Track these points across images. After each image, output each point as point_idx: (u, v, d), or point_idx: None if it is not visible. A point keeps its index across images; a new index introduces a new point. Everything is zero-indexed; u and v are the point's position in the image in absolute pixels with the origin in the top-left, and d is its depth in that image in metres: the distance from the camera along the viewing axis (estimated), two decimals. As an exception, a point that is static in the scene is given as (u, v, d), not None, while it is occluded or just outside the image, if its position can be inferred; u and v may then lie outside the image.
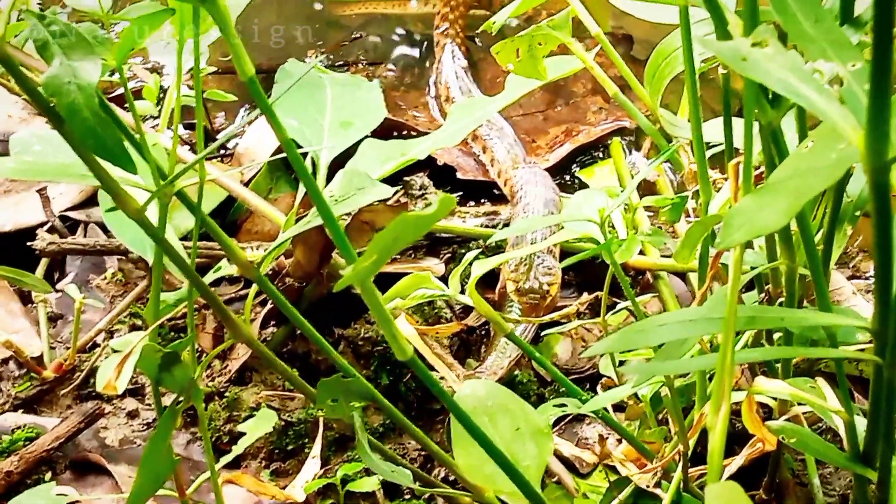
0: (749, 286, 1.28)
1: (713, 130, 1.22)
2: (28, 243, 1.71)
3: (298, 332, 1.64)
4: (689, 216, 1.72)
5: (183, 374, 1.12)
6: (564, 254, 1.69)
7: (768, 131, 0.92)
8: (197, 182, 1.06)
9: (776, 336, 1.21)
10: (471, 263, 1.27)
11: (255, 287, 1.24)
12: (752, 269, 1.15)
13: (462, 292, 1.27)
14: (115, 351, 1.11)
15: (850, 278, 1.76)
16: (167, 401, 1.27)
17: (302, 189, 1.50)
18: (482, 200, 2.00)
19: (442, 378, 1.56)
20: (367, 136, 1.67)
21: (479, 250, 1.30)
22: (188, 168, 0.97)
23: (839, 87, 0.71)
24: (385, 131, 1.81)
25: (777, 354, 0.94)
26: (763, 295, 1.17)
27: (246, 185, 1.85)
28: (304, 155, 1.61)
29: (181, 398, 1.13)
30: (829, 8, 1.00)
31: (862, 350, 0.96)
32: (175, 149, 1.05)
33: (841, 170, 0.75)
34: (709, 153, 1.27)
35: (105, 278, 1.79)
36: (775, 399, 1.19)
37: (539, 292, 1.62)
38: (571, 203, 1.23)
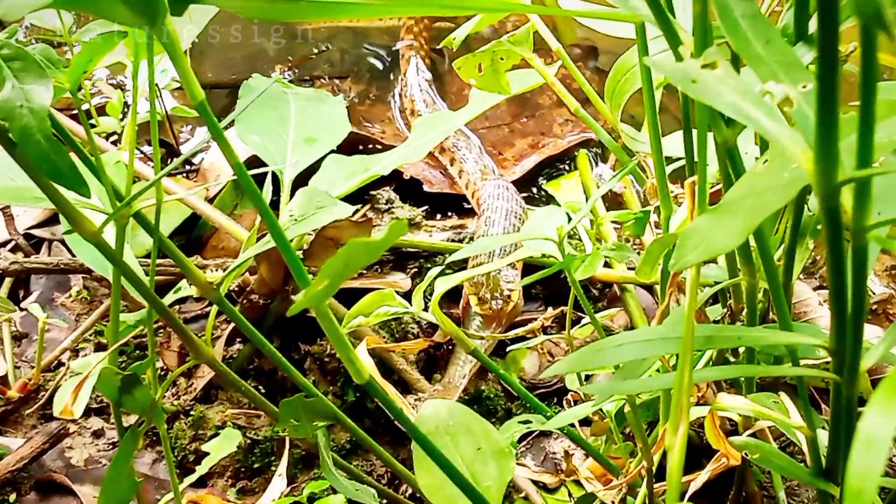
0: (715, 299, 1.29)
1: (675, 144, 1.22)
2: (-10, 263, 1.70)
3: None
4: (657, 228, 1.72)
5: (144, 396, 1.12)
6: (530, 267, 1.69)
7: (724, 149, 0.92)
8: (155, 203, 1.05)
9: (741, 350, 1.21)
10: (434, 280, 1.27)
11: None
12: (715, 283, 1.15)
13: (426, 309, 1.27)
14: (74, 374, 1.10)
15: (816, 288, 1.77)
16: (132, 420, 1.26)
17: (267, 195, 1.49)
18: (449, 214, 2.00)
19: (410, 394, 1.56)
20: (331, 152, 1.66)
21: (442, 266, 1.29)
22: (144, 190, 0.96)
23: (791, 109, 0.71)
24: (350, 146, 1.80)
25: (736, 373, 0.94)
26: (726, 310, 1.17)
27: (211, 200, 1.84)
28: (266, 173, 1.61)
29: (143, 420, 1.13)
30: (782, 27, 1.01)
31: (821, 367, 0.96)
32: (131, 171, 1.05)
33: (794, 189, 0.75)
34: (673, 166, 1.28)
35: (70, 296, 1.78)
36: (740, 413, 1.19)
37: (501, 297, 1.61)
38: (531, 221, 1.24)
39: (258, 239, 1.15)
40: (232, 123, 1.80)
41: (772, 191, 0.76)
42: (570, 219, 1.22)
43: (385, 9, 0.86)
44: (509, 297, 1.62)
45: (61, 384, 1.58)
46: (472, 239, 1.83)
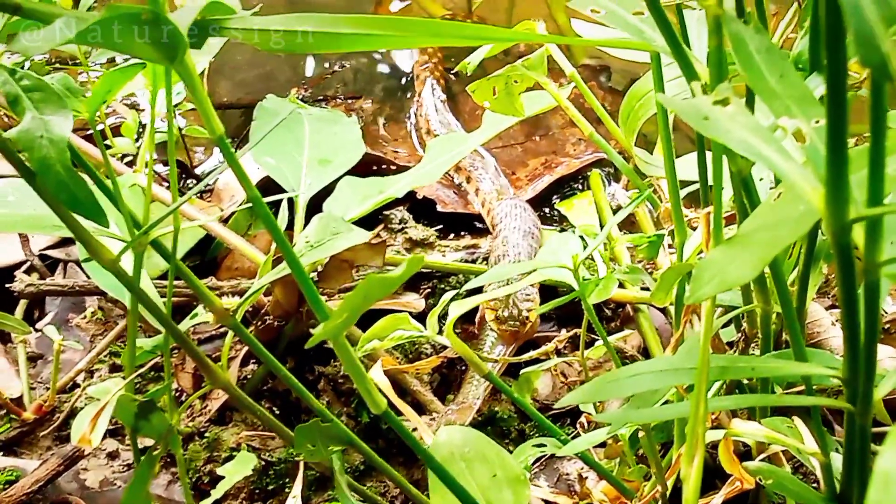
0: (728, 321, 1.29)
1: (688, 166, 1.23)
2: (7, 285, 1.71)
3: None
4: (670, 249, 1.72)
5: (161, 422, 1.12)
6: (545, 289, 1.70)
7: (738, 179, 0.92)
8: (172, 230, 1.06)
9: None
10: (449, 303, 1.27)
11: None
12: (730, 308, 1.16)
13: (440, 332, 1.27)
14: (91, 399, 1.11)
15: (829, 308, 1.76)
16: (148, 442, 1.26)
17: (283, 220, 1.50)
18: (462, 233, 2.01)
19: (424, 414, 1.57)
20: (346, 173, 1.67)
21: (457, 290, 1.29)
22: (162, 219, 0.97)
23: (803, 145, 0.71)
24: (364, 166, 1.81)
25: (750, 402, 0.95)
26: (739, 334, 1.17)
27: (226, 221, 1.85)
28: (283, 194, 1.62)
29: (158, 445, 1.13)
30: (797, 54, 1.01)
31: (834, 394, 0.97)
32: (149, 198, 1.05)
33: (808, 224, 0.75)
34: (686, 189, 1.28)
35: (85, 317, 1.79)
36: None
37: (519, 318, 1.62)
38: (546, 247, 1.24)
39: (274, 263, 1.15)
40: (240, 145, 1.81)
41: (785, 224, 0.77)
42: (584, 244, 1.22)
43: (399, 41, 0.86)
44: (528, 318, 1.63)
45: (76, 407, 1.60)
46: (486, 259, 1.84)
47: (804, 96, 0.73)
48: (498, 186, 2.02)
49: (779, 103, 0.73)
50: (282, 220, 1.28)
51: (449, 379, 1.67)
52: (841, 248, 0.68)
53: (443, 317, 1.30)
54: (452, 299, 1.28)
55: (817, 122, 0.72)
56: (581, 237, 1.25)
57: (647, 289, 1.70)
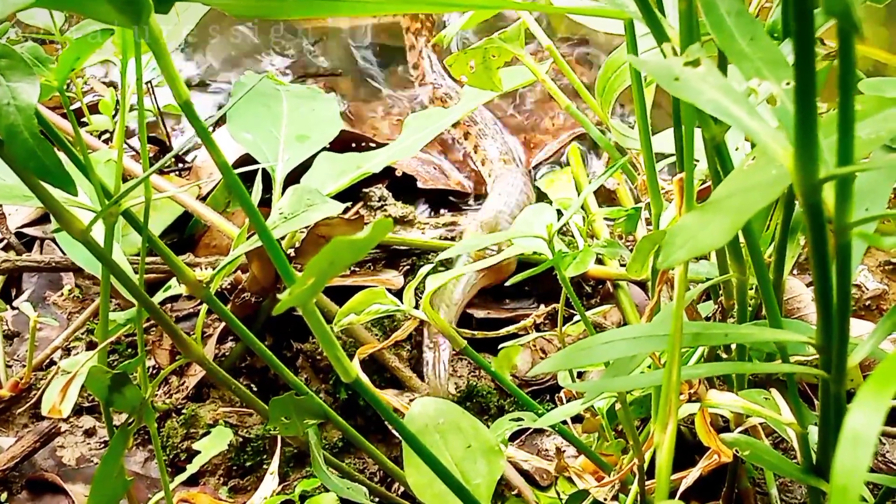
0: (707, 296, 1.28)
1: (668, 142, 1.22)
2: (-19, 261, 1.70)
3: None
4: (649, 225, 1.72)
5: (134, 395, 1.12)
6: (522, 265, 1.69)
7: (712, 146, 0.92)
8: (143, 201, 1.05)
9: (733, 347, 1.21)
10: (425, 277, 1.27)
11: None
12: (706, 279, 1.15)
13: (417, 307, 1.27)
14: (64, 372, 1.10)
15: (809, 284, 1.76)
16: (123, 418, 1.26)
17: (257, 193, 1.49)
18: (441, 211, 2.00)
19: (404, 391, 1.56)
20: (323, 149, 1.66)
21: (433, 265, 1.29)
22: (132, 188, 0.96)
23: (774, 107, 0.71)
24: (343, 143, 1.81)
25: (725, 370, 0.94)
26: (716, 307, 1.17)
27: (204, 198, 1.84)
28: (263, 175, 1.61)
29: (132, 419, 1.13)
30: (771, 23, 1.01)
31: (809, 364, 0.96)
32: (120, 168, 1.05)
33: (780, 187, 0.75)
34: (665, 162, 1.28)
35: (62, 295, 1.78)
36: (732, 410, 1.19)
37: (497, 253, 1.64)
38: (521, 219, 1.23)
39: (248, 237, 1.15)
40: (220, 122, 1.80)
41: (758, 188, 0.76)
42: (560, 215, 1.22)
43: (376, 7, 0.86)
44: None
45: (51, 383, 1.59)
46: (462, 236, 1.83)
47: (775, 59, 0.73)
48: (503, 151, 2.04)
49: (749, 65, 0.73)
50: (256, 194, 1.26)
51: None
52: (811, 209, 0.67)
53: (420, 293, 1.30)
54: (429, 273, 1.27)
55: (787, 83, 0.71)
56: (557, 210, 1.25)
57: (626, 265, 1.69)
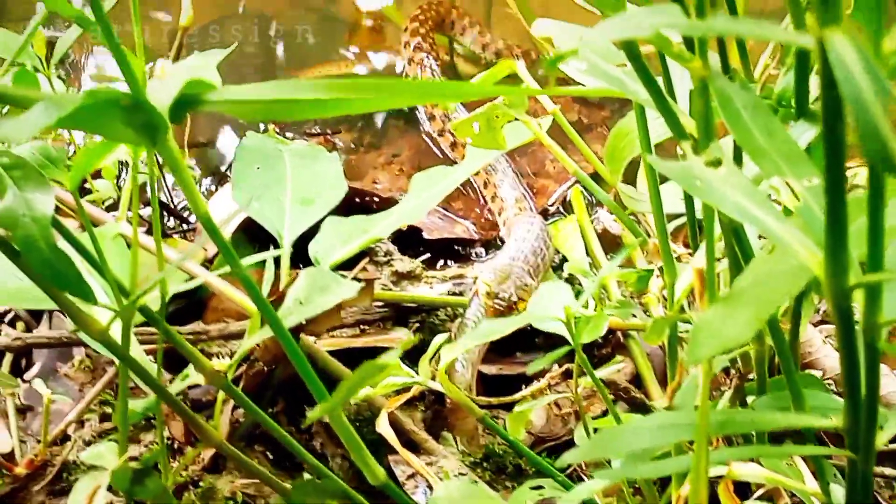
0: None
1: (676, 200, 1.22)
2: (-8, 339, 1.69)
3: (273, 411, 1.62)
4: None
5: (156, 485, 1.12)
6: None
7: (729, 227, 0.92)
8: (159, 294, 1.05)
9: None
10: (440, 348, 1.27)
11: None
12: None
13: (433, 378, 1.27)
14: (83, 465, 1.10)
15: (818, 324, 1.76)
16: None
17: (270, 269, 1.49)
18: (448, 262, 2.00)
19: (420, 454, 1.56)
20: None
21: (447, 335, 1.29)
22: (149, 290, 0.96)
23: (797, 204, 0.71)
24: (346, 200, 1.80)
25: (751, 454, 0.94)
26: (734, 372, 1.17)
27: (211, 260, 1.84)
28: (268, 235, 1.61)
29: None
30: (781, 90, 1.01)
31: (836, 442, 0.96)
32: (136, 263, 1.04)
33: (803, 279, 0.75)
34: (674, 224, 1.28)
35: (72, 366, 1.77)
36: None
37: (507, 301, 1.64)
38: (538, 296, 1.23)
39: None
40: (222, 181, 1.80)
41: (781, 278, 0.76)
42: (575, 288, 1.22)
43: (382, 102, 0.85)
44: (516, 305, 1.64)
45: (69, 460, 1.58)
46: (472, 289, 1.83)
47: (794, 155, 0.73)
48: (517, 195, 2.05)
49: (769, 162, 0.73)
50: (270, 276, 1.26)
51: (443, 415, 1.66)
52: (841, 312, 0.67)
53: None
54: (443, 344, 1.27)
55: (810, 181, 0.71)
56: (570, 280, 1.25)
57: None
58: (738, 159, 0.94)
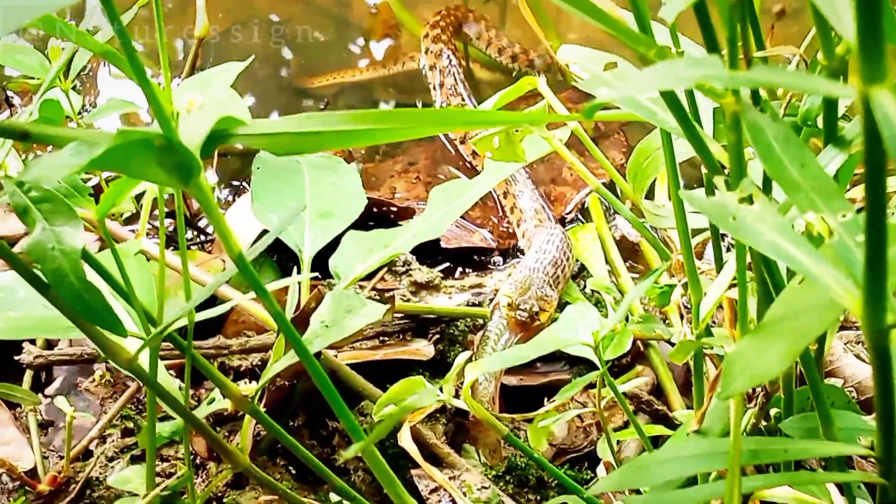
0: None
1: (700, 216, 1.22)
2: (15, 357, 1.69)
3: (295, 424, 1.63)
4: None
5: (183, 509, 1.12)
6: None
7: (759, 258, 0.92)
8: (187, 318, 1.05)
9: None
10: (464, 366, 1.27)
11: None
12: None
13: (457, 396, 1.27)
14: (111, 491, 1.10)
15: (838, 329, 1.76)
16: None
17: (293, 293, 1.49)
18: (466, 271, 2.00)
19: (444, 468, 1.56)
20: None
21: (470, 353, 1.28)
22: (175, 320, 0.96)
23: (832, 240, 0.70)
24: (363, 209, 1.80)
25: (782, 481, 0.94)
26: (760, 389, 1.16)
27: (230, 272, 1.84)
28: (286, 247, 1.61)
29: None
30: (805, 111, 1.00)
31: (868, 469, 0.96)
32: (163, 296, 1.05)
33: (836, 312, 0.75)
34: (698, 238, 1.28)
35: (94, 381, 1.77)
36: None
37: (529, 312, 1.64)
38: (564, 319, 1.23)
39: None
40: (238, 193, 1.80)
41: (814, 311, 0.76)
42: (601, 308, 1.21)
43: (407, 132, 0.85)
44: (538, 315, 1.64)
45: (91, 477, 1.58)
46: (491, 300, 1.83)
47: (828, 189, 0.72)
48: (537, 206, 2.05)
49: (803, 196, 0.72)
50: (293, 301, 1.27)
51: (465, 427, 1.66)
52: (879, 351, 0.67)
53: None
54: (467, 361, 1.27)
55: (844, 216, 0.71)
56: (595, 294, 1.24)
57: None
58: (766, 187, 0.94)
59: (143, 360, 1.05)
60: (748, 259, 0.89)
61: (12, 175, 0.96)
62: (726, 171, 0.86)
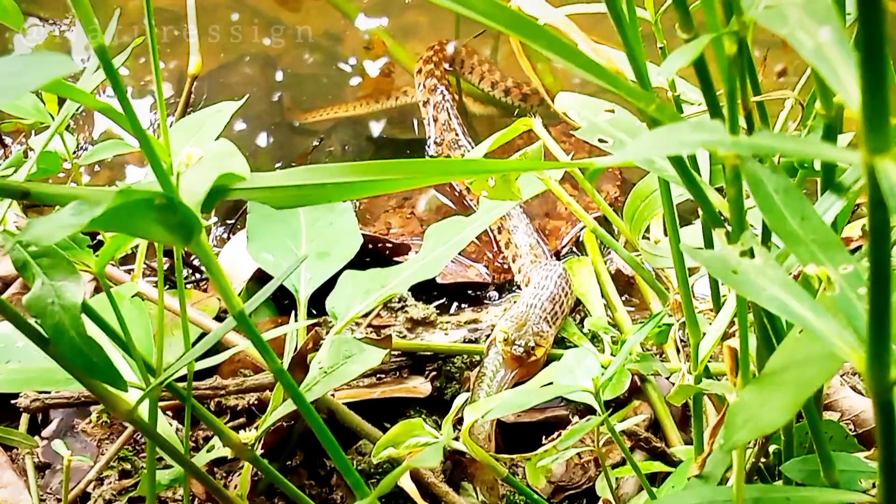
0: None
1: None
2: (12, 401, 1.68)
3: (292, 464, 1.62)
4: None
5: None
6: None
7: (761, 309, 0.92)
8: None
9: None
10: (462, 407, 1.27)
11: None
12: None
13: (456, 439, 1.27)
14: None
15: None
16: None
17: (291, 339, 1.49)
18: (462, 306, 2.00)
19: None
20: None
21: (468, 397, 1.29)
22: (176, 369, 0.96)
23: (832, 292, 0.70)
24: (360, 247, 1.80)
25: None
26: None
27: (225, 311, 1.84)
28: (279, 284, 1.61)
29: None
30: (801, 174, 1.01)
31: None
32: (161, 346, 1.05)
33: (839, 363, 0.75)
34: (695, 278, 1.28)
35: (90, 422, 1.77)
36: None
37: (525, 348, 1.63)
38: (563, 364, 1.23)
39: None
40: (233, 231, 1.80)
41: (816, 362, 0.76)
42: (601, 348, 1.22)
43: (410, 182, 0.86)
44: (534, 350, 1.64)
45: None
46: (488, 336, 1.82)
47: (829, 241, 0.72)
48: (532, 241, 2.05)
49: (804, 249, 0.72)
50: (292, 344, 1.27)
51: (462, 465, 1.66)
52: (882, 406, 0.67)
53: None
54: (465, 403, 1.27)
55: (845, 268, 0.71)
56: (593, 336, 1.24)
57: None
58: (765, 233, 0.94)
59: (143, 409, 1.05)
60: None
61: (12, 230, 0.96)
62: (724, 218, 0.87)
